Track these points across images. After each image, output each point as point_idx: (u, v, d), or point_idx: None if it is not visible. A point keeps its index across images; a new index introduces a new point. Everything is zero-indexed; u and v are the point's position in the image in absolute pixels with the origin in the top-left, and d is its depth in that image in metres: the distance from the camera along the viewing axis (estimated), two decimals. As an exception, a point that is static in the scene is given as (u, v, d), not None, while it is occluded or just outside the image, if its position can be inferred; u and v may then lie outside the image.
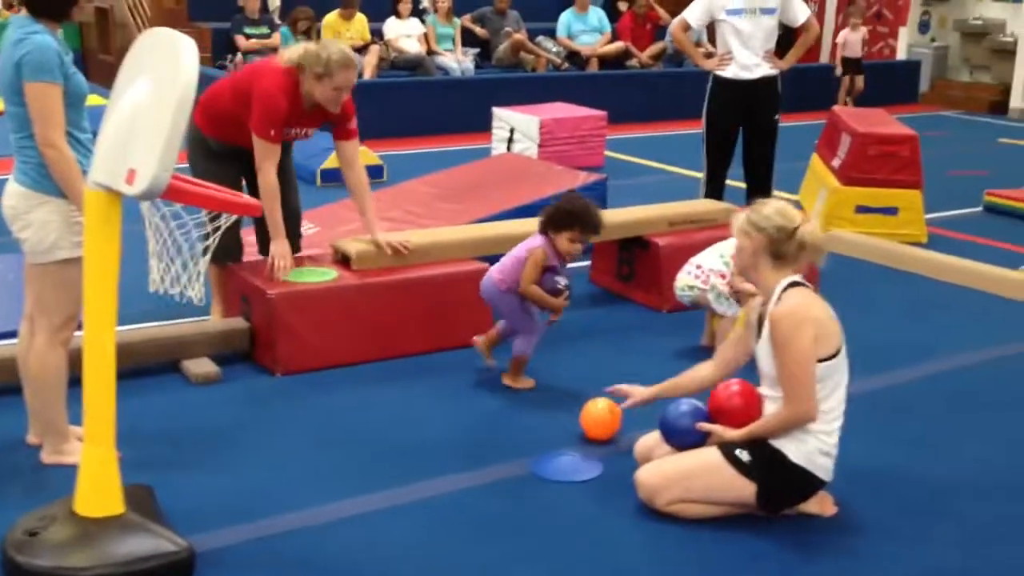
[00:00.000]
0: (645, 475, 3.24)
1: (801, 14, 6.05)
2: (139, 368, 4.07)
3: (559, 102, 8.93)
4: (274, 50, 10.31)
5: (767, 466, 3.12)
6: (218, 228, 2.85)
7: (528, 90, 9.98)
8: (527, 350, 4.10)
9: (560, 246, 4.00)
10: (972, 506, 3.33)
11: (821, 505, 3.25)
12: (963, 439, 3.83)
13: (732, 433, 3.18)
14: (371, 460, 3.53)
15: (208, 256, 2.92)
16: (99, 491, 2.79)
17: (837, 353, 3.10)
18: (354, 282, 4.30)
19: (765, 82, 5.96)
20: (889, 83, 12.91)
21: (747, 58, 5.92)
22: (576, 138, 8.19)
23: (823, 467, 3.14)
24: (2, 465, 3.40)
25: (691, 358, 4.43)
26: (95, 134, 2.87)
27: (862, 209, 6.52)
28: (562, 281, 4.03)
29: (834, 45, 12.58)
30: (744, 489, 3.14)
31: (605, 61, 11.89)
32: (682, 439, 3.24)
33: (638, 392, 3.43)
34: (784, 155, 6.29)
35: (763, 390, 3.22)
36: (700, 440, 3.23)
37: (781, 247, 3.12)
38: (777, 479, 3.13)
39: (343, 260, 4.42)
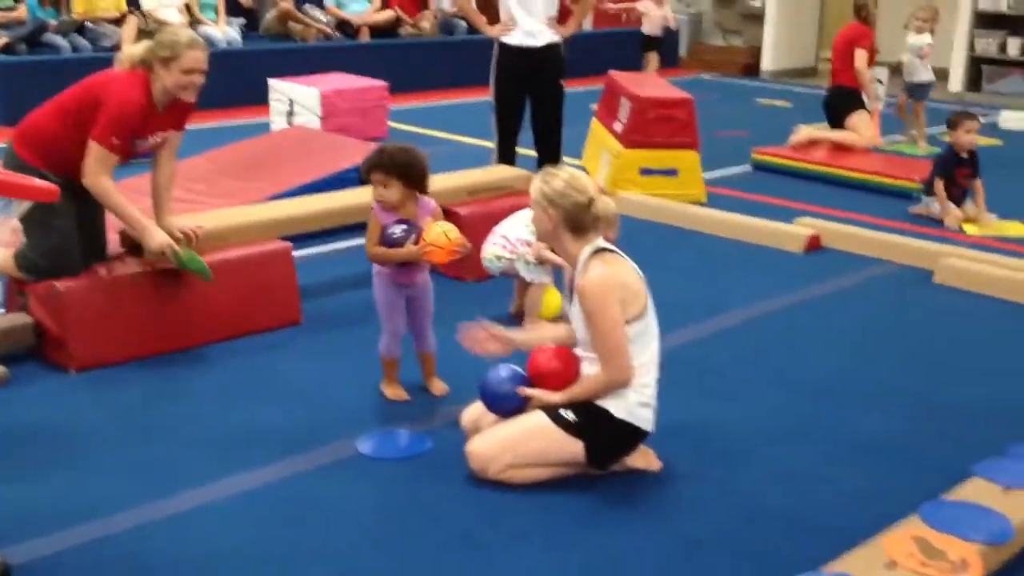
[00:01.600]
0: (475, 446, 3.24)
1: (578, -18, 6.17)
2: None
3: (336, 72, 8.74)
4: (20, 23, 9.60)
5: (592, 423, 3.19)
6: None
7: (301, 61, 9.74)
8: (383, 347, 3.80)
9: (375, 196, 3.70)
10: (770, 450, 3.52)
11: (646, 460, 3.36)
12: (756, 388, 4.03)
13: (554, 397, 3.23)
14: (184, 454, 3.37)
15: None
16: None
17: (644, 312, 3.19)
18: (146, 270, 4.07)
19: (550, 48, 6.04)
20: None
21: (531, 25, 5.97)
22: (358, 109, 8.06)
23: (644, 418, 3.23)
24: None
25: (504, 327, 4.50)
26: None
27: (645, 171, 6.74)
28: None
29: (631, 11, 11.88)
30: (573, 447, 3.20)
31: (376, 30, 11.74)
32: (504, 405, 3.25)
33: (502, 336, 3.39)
34: (565, 120, 6.40)
35: (579, 351, 3.28)
36: (521, 405, 3.25)
37: (578, 219, 3.19)
38: (603, 434, 3.21)
39: (132, 248, 4.17)
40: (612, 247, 3.23)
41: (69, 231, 3.93)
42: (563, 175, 3.21)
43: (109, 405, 3.69)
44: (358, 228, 5.36)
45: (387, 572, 2.78)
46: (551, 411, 3.22)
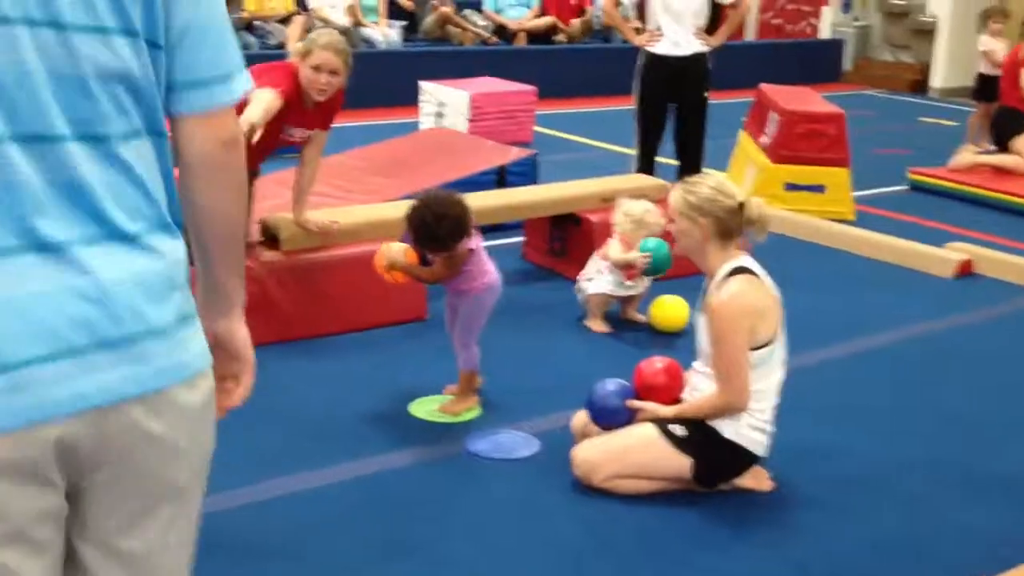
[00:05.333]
0: (581, 452, 3.21)
1: (731, -9, 6.05)
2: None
3: (487, 76, 8.83)
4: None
5: (701, 441, 3.11)
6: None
7: (455, 64, 9.88)
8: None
9: None
10: (905, 479, 3.36)
11: (757, 480, 3.25)
12: (894, 414, 3.87)
13: (663, 410, 3.16)
14: (301, 437, 3.45)
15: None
16: None
17: (773, 339, 3.09)
18: (280, 260, 4.19)
19: (696, 59, 5.94)
20: (813, 61, 13.07)
21: (677, 34, 5.89)
22: (506, 113, 8.11)
23: (757, 442, 3.13)
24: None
25: (618, 330, 4.46)
26: None
27: (791, 187, 6.57)
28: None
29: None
30: (680, 463, 3.13)
31: (533, 35, 11.82)
32: (610, 419, 3.20)
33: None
34: (712, 132, 6.30)
35: (697, 364, 3.21)
36: (628, 420, 3.20)
37: (728, 225, 3.09)
38: (711, 454, 3.13)
39: (271, 238, 4.30)
40: (752, 266, 3.13)
41: None
42: (708, 181, 3.14)
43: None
44: (490, 229, 5.43)
45: (479, 571, 2.77)
46: (661, 425, 3.16)
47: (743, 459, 3.16)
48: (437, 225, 3.42)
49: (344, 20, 10.79)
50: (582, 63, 11.37)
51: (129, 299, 1.31)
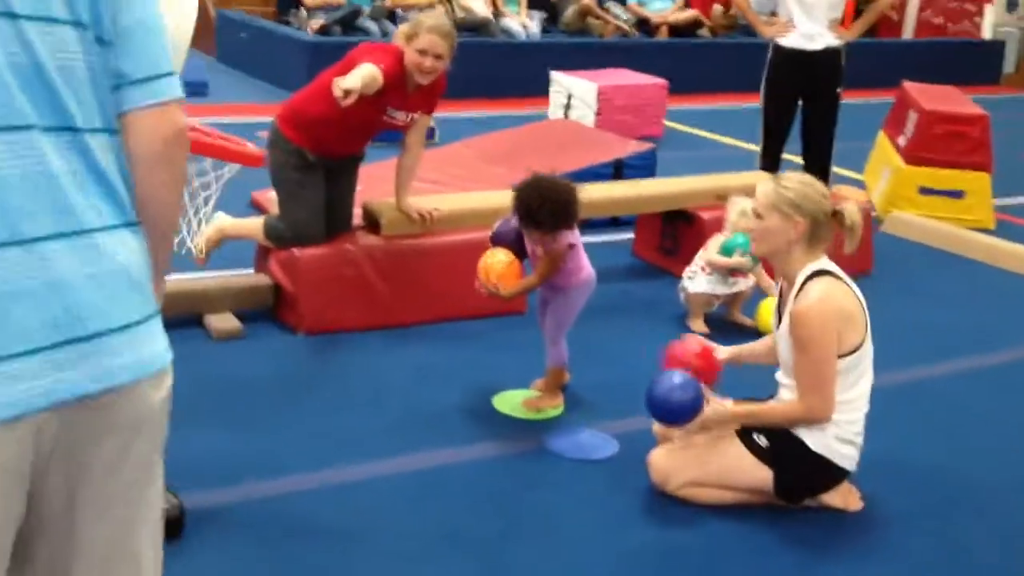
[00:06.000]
0: (658, 457, 3.10)
1: (869, -17, 5.79)
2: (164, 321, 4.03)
3: (619, 69, 8.71)
4: (338, 6, 10.24)
5: (785, 452, 2.97)
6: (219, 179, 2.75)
7: (593, 56, 9.78)
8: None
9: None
10: (1001, 504, 3.15)
11: (845, 499, 3.09)
12: (1004, 434, 3.63)
13: (733, 408, 3.00)
14: (383, 425, 3.45)
15: (212, 212, 2.80)
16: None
17: (861, 344, 2.92)
18: (380, 245, 4.21)
19: (828, 54, 5.70)
20: (971, 63, 12.45)
21: (810, 27, 5.66)
22: (635, 106, 7.98)
23: (845, 456, 2.97)
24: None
25: (720, 332, 4.31)
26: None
27: (926, 191, 6.26)
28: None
29: None
30: (761, 475, 2.99)
31: (676, 29, 11.61)
32: (675, 416, 3.00)
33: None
34: (855, 132, 6.05)
35: (779, 376, 3.06)
36: (694, 415, 2.97)
37: (822, 229, 2.93)
38: (795, 466, 2.98)
39: (372, 223, 4.32)
40: (833, 269, 2.98)
41: (317, 207, 4.11)
42: (803, 179, 2.97)
43: (322, 369, 3.84)
44: (601, 224, 5.35)
45: (533, 573, 2.72)
46: (743, 433, 3.03)
47: (830, 474, 3.01)
48: (540, 207, 3.36)
49: (485, 10, 10.83)
50: (723, 57, 11.11)
51: (95, 297, 1.33)
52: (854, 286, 2.98)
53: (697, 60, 10.89)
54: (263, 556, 2.71)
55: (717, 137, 8.49)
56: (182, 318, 4.03)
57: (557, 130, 6.29)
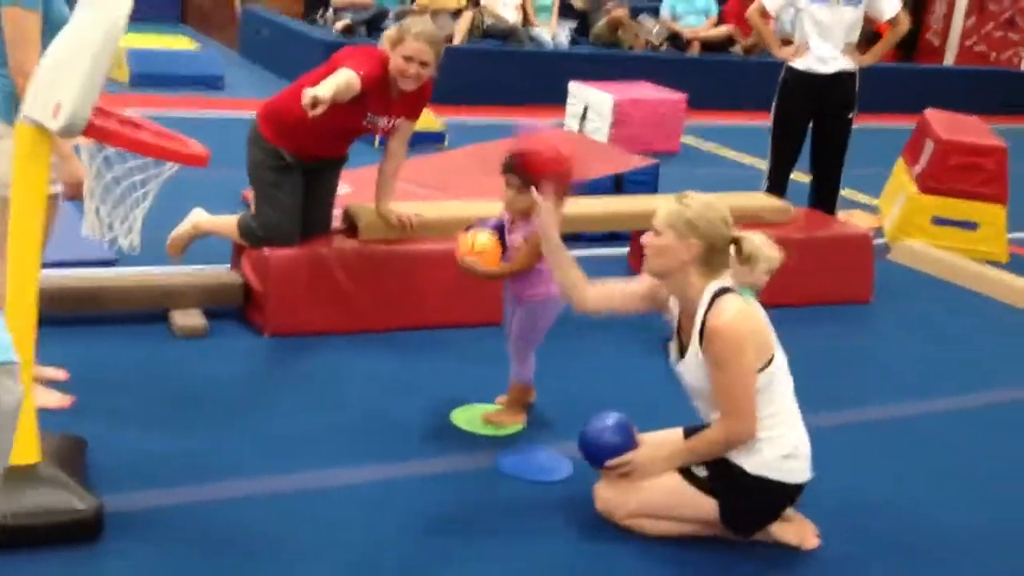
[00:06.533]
0: (602, 488, 2.99)
1: (888, 8, 5.63)
2: (128, 314, 3.98)
3: (639, 82, 8.59)
4: (365, 7, 10.21)
5: (724, 480, 2.85)
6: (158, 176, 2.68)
7: (617, 68, 9.67)
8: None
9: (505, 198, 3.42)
10: (978, 554, 3.01)
11: (800, 535, 2.96)
12: (991, 479, 3.47)
13: (665, 451, 2.90)
14: (337, 434, 3.36)
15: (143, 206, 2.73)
16: (13, 438, 2.66)
17: (773, 358, 2.82)
18: (354, 249, 4.13)
19: (841, 78, 5.55)
20: (1009, 93, 12.17)
21: (825, 51, 5.52)
22: (651, 120, 7.86)
23: (789, 470, 2.84)
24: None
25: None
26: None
27: (939, 221, 6.08)
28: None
29: None
30: (705, 505, 2.87)
31: (708, 45, 11.46)
32: (604, 457, 2.93)
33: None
34: (877, 157, 5.90)
35: (701, 409, 2.93)
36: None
37: (718, 255, 2.81)
38: (737, 493, 2.85)
39: (351, 227, 4.24)
40: (734, 287, 2.85)
41: (291, 208, 4.03)
42: (704, 198, 2.84)
43: (282, 373, 3.77)
44: (592, 239, 5.23)
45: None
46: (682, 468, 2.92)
47: (778, 494, 2.87)
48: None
49: (514, 17, 10.76)
50: (750, 75, 10.92)
51: None
52: (753, 300, 2.89)
53: (724, 76, 10.74)
54: (184, 565, 2.62)
55: (736, 155, 8.34)
56: (147, 312, 3.98)
57: (559, 141, 6.16)
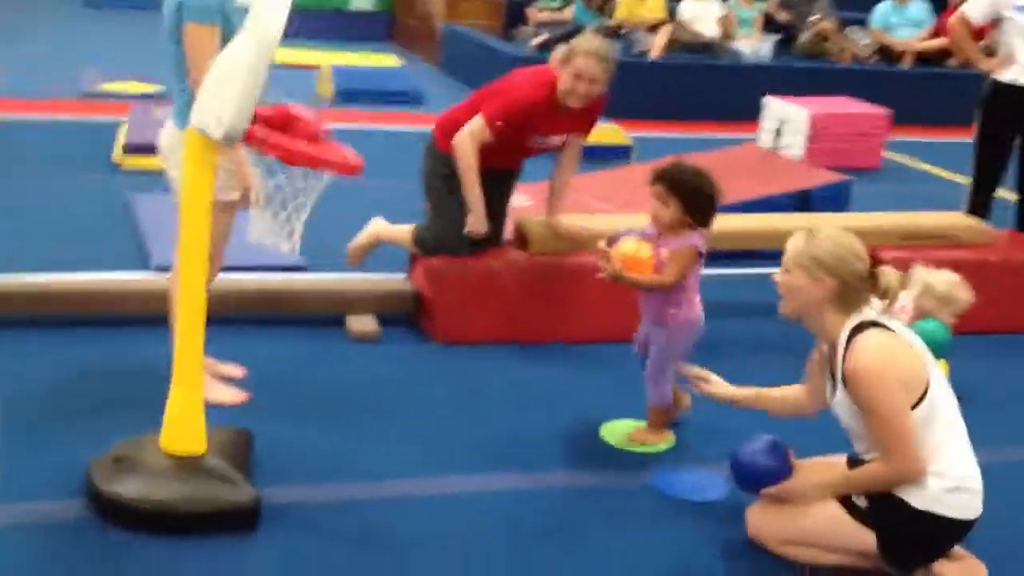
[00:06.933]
0: (755, 512, 2.91)
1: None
2: (307, 317, 4.16)
3: (839, 96, 8.30)
4: (562, 24, 10.31)
5: (885, 513, 2.71)
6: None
7: (818, 82, 9.35)
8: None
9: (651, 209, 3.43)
10: None
11: (966, 572, 2.78)
12: None
13: (825, 481, 2.79)
14: (483, 441, 3.41)
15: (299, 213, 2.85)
16: (182, 429, 2.84)
17: (927, 391, 2.65)
18: (522, 261, 4.17)
19: (1051, 91, 5.21)
20: None
21: (1032, 61, 5.20)
22: (850, 135, 7.59)
23: (957, 506, 2.67)
24: (143, 392, 3.54)
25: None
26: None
27: None
28: (631, 237, 3.41)
29: None
30: (863, 537, 2.74)
31: (922, 58, 10.96)
32: (757, 484, 2.84)
33: (719, 385, 3.05)
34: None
35: (860, 450, 2.80)
36: (780, 480, 2.82)
37: (854, 292, 2.68)
38: (899, 528, 2.71)
39: (521, 239, 4.29)
40: (879, 319, 2.70)
41: (462, 219, 4.11)
42: (835, 236, 2.72)
43: (444, 380, 3.84)
44: (753, 256, 5.08)
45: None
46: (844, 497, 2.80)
47: (944, 530, 2.70)
48: (689, 179, 3.31)
49: (714, 32, 10.62)
50: (962, 89, 10.34)
51: None
52: (904, 331, 2.74)
53: (936, 90, 10.22)
54: (328, 558, 2.72)
55: (942, 172, 7.93)
56: (326, 316, 4.15)
57: (747, 156, 6.05)
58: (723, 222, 4.66)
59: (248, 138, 2.58)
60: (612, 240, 3.39)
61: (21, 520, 2.76)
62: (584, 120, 4.09)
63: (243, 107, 2.51)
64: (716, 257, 4.88)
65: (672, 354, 3.39)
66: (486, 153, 4.07)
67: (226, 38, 3.15)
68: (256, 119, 2.63)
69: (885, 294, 2.72)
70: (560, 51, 3.98)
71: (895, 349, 2.66)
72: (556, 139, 4.10)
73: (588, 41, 3.95)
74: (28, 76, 8.77)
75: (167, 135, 3.33)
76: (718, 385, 3.06)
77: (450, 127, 4.15)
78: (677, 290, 3.34)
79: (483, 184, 4.16)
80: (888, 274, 2.73)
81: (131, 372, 3.62)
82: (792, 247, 2.75)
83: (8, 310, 3.91)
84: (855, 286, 2.69)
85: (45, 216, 5.25)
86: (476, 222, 4.06)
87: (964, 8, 5.46)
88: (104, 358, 3.73)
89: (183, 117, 3.23)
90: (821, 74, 10.02)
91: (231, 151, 3.01)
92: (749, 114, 8.69)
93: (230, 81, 2.52)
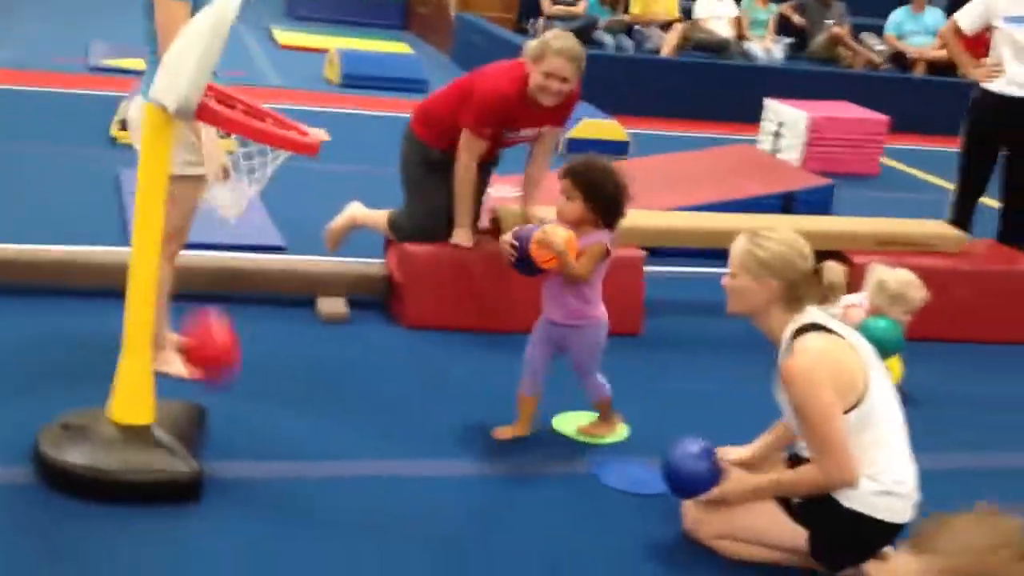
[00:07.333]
0: (690, 506, 2.94)
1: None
2: (278, 297, 4.22)
3: (841, 101, 8.29)
4: (575, 18, 10.34)
5: (816, 511, 2.74)
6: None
7: (824, 86, 9.32)
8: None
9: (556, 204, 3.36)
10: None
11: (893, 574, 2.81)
12: None
13: (756, 482, 2.82)
14: (444, 427, 3.45)
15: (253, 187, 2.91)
16: (130, 400, 2.89)
17: (864, 396, 2.67)
18: (494, 249, 4.19)
19: (1039, 103, 5.21)
20: None
21: (1018, 73, 5.20)
22: (849, 140, 7.59)
23: (887, 509, 2.70)
24: (107, 363, 3.60)
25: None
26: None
27: None
28: (527, 230, 3.31)
29: None
30: (794, 533, 2.78)
31: (935, 66, 10.91)
32: (688, 488, 2.86)
33: (734, 452, 3.04)
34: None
35: (800, 447, 2.84)
36: (711, 484, 2.84)
37: (799, 291, 2.71)
38: (829, 527, 2.74)
39: (496, 228, 4.33)
40: (823, 320, 2.73)
41: (437, 205, 4.17)
42: (779, 236, 2.75)
43: (410, 365, 3.90)
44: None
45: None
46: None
47: (873, 532, 2.73)
48: (604, 179, 3.24)
49: (727, 32, 10.62)
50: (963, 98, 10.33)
51: None
52: (848, 333, 2.75)
53: (943, 99, 10.14)
54: (269, 533, 2.77)
55: (939, 181, 7.92)
56: (296, 298, 4.21)
57: (734, 156, 6.07)
58: (698, 220, 4.73)
59: (201, 113, 2.64)
60: (517, 233, 3.28)
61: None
62: (558, 112, 4.12)
63: (196, 82, 2.56)
64: (687, 255, 4.98)
65: (589, 354, 3.38)
66: (455, 140, 4.11)
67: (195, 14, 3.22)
68: (212, 95, 2.69)
69: (830, 290, 2.75)
70: (532, 48, 4.00)
71: (832, 352, 2.68)
72: (530, 132, 4.14)
73: (560, 39, 3.97)
74: (40, 49, 8.89)
75: (135, 108, 3.39)
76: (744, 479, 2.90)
77: (427, 116, 4.21)
78: (593, 287, 3.33)
79: (454, 170, 4.18)
80: (832, 270, 2.76)
81: (97, 344, 3.67)
82: (736, 251, 2.78)
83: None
84: (801, 284, 2.72)
85: (36, 188, 5.34)
86: (462, 237, 4.14)
87: (956, 16, 5.49)
88: (75, 329, 3.80)
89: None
90: (830, 79, 10.00)
91: (194, 126, 3.06)
92: (755, 116, 8.71)
93: (185, 56, 2.57)
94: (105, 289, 3.99)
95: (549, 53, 3.89)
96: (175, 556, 2.64)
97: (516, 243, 3.25)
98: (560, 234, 3.20)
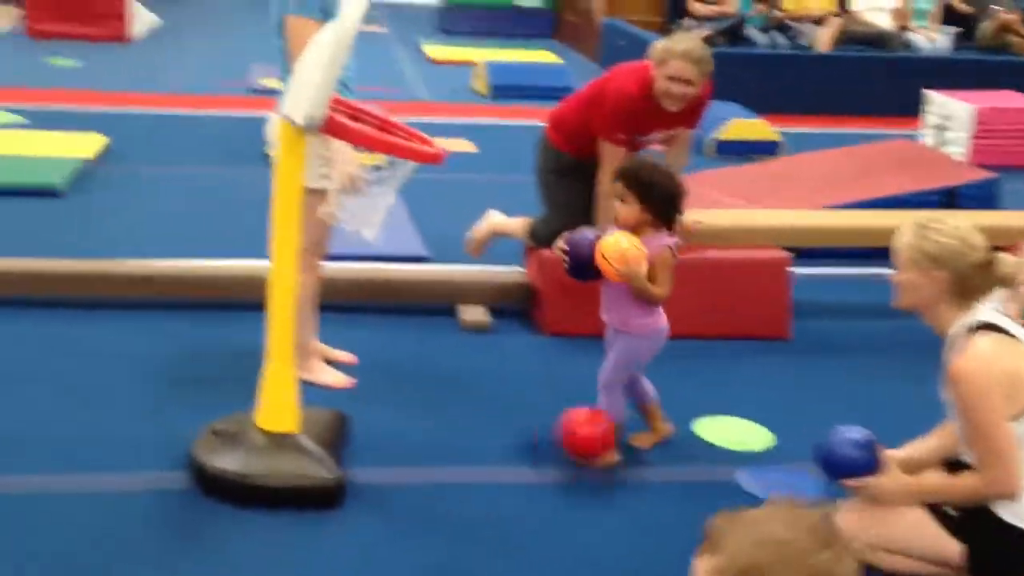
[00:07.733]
0: (843, 513, 2.81)
1: None
2: (420, 307, 4.28)
3: (1012, 91, 7.86)
4: (728, 16, 10.14)
5: (975, 525, 2.59)
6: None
7: (995, 75, 8.88)
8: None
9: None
10: None
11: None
12: None
13: (915, 486, 2.68)
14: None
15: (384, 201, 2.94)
16: (275, 408, 2.97)
17: None
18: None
19: None
20: None
21: None
22: (1018, 133, 7.19)
23: None
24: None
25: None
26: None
27: None
28: (587, 234, 3.21)
29: None
30: (949, 547, 2.63)
31: None
32: (841, 470, 2.73)
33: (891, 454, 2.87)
34: None
35: (962, 450, 2.68)
36: (865, 473, 2.70)
37: (970, 283, 2.55)
38: (988, 542, 2.59)
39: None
40: (999, 321, 2.57)
41: (577, 211, 4.14)
42: (951, 229, 2.59)
43: (548, 372, 3.89)
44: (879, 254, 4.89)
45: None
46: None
47: None
48: (652, 179, 3.11)
49: (888, 23, 10.24)
50: None
51: None
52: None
53: None
54: (407, 538, 2.80)
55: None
56: (438, 307, 4.26)
57: (892, 151, 5.81)
58: (850, 219, 4.55)
59: (328, 126, 2.69)
60: (571, 240, 3.19)
61: (133, 488, 2.96)
62: (688, 114, 4.05)
63: (319, 95, 2.62)
64: (838, 255, 4.80)
65: (626, 362, 3.24)
66: (588, 145, 4.07)
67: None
68: (342, 109, 2.74)
69: (1004, 282, 2.61)
70: (656, 51, 3.92)
71: (1004, 355, 2.53)
72: (654, 135, 4.08)
73: (683, 42, 3.91)
74: (203, 73, 9.31)
75: (272, 125, 3.49)
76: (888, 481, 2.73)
77: (560, 123, 4.20)
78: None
79: (588, 175, 4.14)
80: (1006, 261, 2.61)
81: (250, 353, 3.81)
82: (903, 243, 2.66)
83: (118, 293, 4.12)
84: (970, 277, 2.58)
85: (197, 206, 5.58)
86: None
87: None
88: (229, 340, 3.94)
89: (285, 107, 3.39)
90: (997, 68, 9.50)
91: (325, 140, 3.13)
92: (915, 110, 8.35)
93: (311, 71, 2.64)
94: (256, 301, 4.14)
95: (671, 56, 3.84)
96: (312, 559, 2.70)
97: (568, 249, 3.15)
98: (628, 249, 3.05)
